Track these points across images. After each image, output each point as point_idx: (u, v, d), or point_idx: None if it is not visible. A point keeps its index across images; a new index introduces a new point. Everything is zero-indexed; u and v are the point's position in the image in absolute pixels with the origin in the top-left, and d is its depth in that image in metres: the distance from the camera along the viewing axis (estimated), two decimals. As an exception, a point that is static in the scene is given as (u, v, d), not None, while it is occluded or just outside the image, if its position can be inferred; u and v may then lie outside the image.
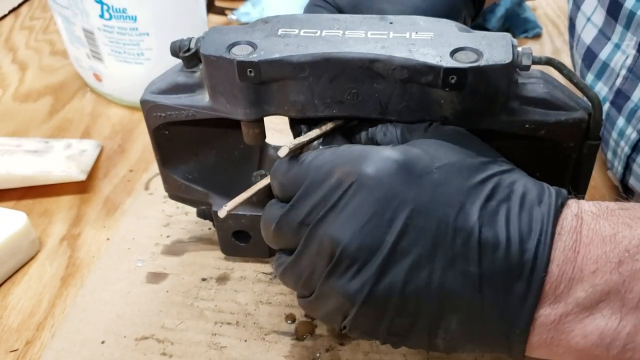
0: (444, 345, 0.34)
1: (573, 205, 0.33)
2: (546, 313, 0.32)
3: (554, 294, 0.31)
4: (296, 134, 0.43)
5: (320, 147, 0.41)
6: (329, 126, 0.41)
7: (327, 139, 0.41)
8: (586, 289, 0.31)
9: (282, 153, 0.37)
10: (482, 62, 0.36)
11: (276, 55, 0.39)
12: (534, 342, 0.33)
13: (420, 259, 0.32)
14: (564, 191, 0.34)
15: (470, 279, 0.32)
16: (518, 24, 0.88)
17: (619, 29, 0.54)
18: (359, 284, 0.33)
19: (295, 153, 0.38)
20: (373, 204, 0.32)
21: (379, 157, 0.34)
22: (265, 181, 0.41)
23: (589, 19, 0.58)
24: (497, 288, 0.32)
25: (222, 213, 0.39)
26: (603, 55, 0.56)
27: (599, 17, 0.56)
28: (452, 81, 0.36)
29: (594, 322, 0.31)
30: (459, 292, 0.32)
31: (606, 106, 0.55)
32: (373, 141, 0.40)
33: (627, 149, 0.53)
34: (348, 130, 0.42)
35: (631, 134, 0.52)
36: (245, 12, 0.93)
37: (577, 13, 0.61)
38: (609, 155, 0.57)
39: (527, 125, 0.39)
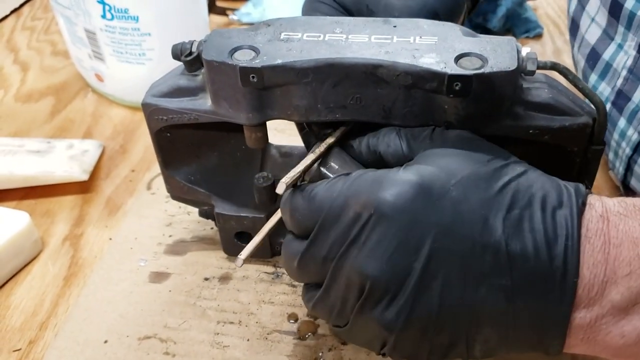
0: (481, 354, 0.34)
1: (597, 204, 0.33)
2: (581, 316, 0.32)
3: (588, 297, 0.31)
4: (308, 146, 0.43)
5: (322, 168, 0.40)
6: (322, 147, 0.40)
7: (324, 157, 0.41)
8: (621, 292, 0.31)
9: (280, 190, 0.37)
10: (487, 69, 0.36)
11: (279, 61, 0.38)
12: (570, 342, 0.33)
13: (451, 280, 0.32)
14: (582, 188, 0.34)
15: (502, 292, 0.32)
16: (519, 23, 0.88)
17: (620, 29, 0.54)
18: (394, 313, 0.32)
19: (294, 184, 0.38)
20: (396, 233, 0.32)
21: (394, 183, 0.33)
22: (275, 218, 0.41)
23: (593, 19, 0.58)
24: (531, 297, 0.32)
25: (238, 263, 0.39)
26: (606, 55, 0.56)
27: (602, 17, 0.56)
28: (457, 88, 0.36)
29: (631, 322, 0.31)
30: (493, 305, 0.32)
31: (608, 106, 0.55)
32: (376, 154, 0.39)
33: (628, 150, 0.53)
34: (348, 136, 0.41)
35: (632, 135, 0.52)
36: (247, 13, 0.93)
37: (582, 13, 0.61)
38: (611, 155, 0.57)
39: (531, 131, 0.39)
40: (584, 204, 0.33)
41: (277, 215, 0.40)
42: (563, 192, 0.33)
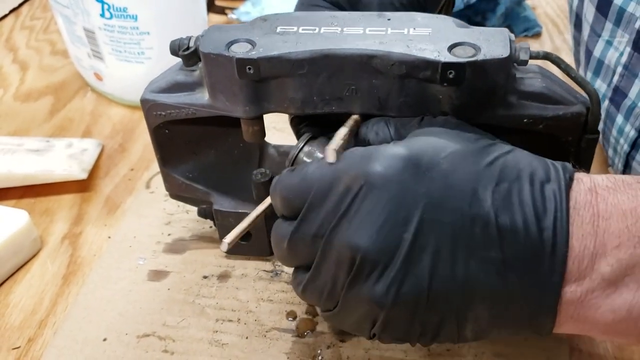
0: (472, 335, 0.34)
1: (585, 179, 0.33)
2: (572, 290, 0.32)
3: (578, 269, 0.31)
4: (299, 137, 0.44)
5: (307, 160, 0.40)
6: (352, 120, 0.41)
7: (311, 148, 0.41)
8: (611, 264, 0.31)
9: (330, 157, 0.36)
10: (480, 57, 0.37)
11: (275, 53, 0.39)
12: (561, 319, 0.33)
13: (441, 252, 0.32)
14: (569, 165, 0.34)
15: (493, 265, 0.32)
16: (518, 22, 0.88)
17: (608, 25, 0.54)
18: (384, 287, 0.32)
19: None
20: (386, 205, 0.32)
21: (384, 155, 0.33)
22: (262, 207, 0.41)
23: (584, 16, 0.59)
24: (521, 270, 0.32)
25: (223, 247, 0.39)
26: (597, 52, 0.56)
27: (590, 13, 0.57)
28: (450, 76, 0.37)
29: (622, 296, 0.31)
30: (484, 279, 0.32)
31: (605, 103, 0.55)
32: (365, 142, 0.39)
33: (626, 147, 0.53)
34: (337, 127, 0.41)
35: (629, 131, 0.52)
36: (246, 12, 0.93)
37: (582, 9, 0.61)
38: (610, 152, 0.57)
39: (525, 120, 0.40)
40: (571, 179, 0.33)
41: (266, 202, 0.41)
42: (550, 168, 0.33)
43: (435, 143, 0.34)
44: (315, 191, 0.34)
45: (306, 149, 0.42)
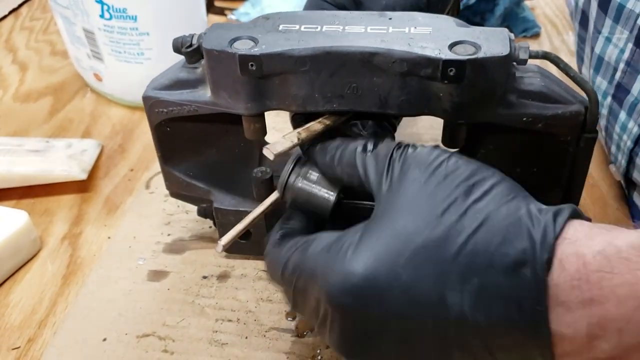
0: None
1: (570, 261, 0.29)
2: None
3: (572, 348, 0.29)
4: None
5: (297, 180, 0.42)
6: (315, 127, 0.42)
7: (303, 167, 0.42)
8: (612, 344, 0.28)
9: (268, 154, 0.39)
10: (480, 55, 0.37)
11: (277, 49, 0.39)
12: None
13: (422, 350, 0.32)
14: (550, 236, 0.30)
15: (479, 350, 0.31)
16: (517, 23, 0.88)
17: (608, 22, 0.54)
18: None
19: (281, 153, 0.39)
20: (353, 329, 0.33)
21: (342, 276, 0.32)
22: (260, 208, 0.41)
23: (590, 13, 0.59)
24: (509, 352, 0.31)
25: (218, 248, 0.40)
26: (597, 49, 0.57)
27: (594, 10, 0.57)
28: (451, 73, 0.37)
29: None
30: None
31: (608, 100, 0.55)
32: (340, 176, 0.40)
33: (629, 143, 0.53)
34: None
35: (633, 127, 0.52)
36: (245, 12, 0.94)
37: (589, 6, 0.61)
38: (613, 148, 0.57)
39: (524, 119, 0.40)
40: (550, 260, 0.29)
41: (262, 206, 0.41)
42: (527, 245, 0.30)
43: (395, 242, 0.32)
44: (294, 293, 0.37)
45: (296, 170, 0.42)
